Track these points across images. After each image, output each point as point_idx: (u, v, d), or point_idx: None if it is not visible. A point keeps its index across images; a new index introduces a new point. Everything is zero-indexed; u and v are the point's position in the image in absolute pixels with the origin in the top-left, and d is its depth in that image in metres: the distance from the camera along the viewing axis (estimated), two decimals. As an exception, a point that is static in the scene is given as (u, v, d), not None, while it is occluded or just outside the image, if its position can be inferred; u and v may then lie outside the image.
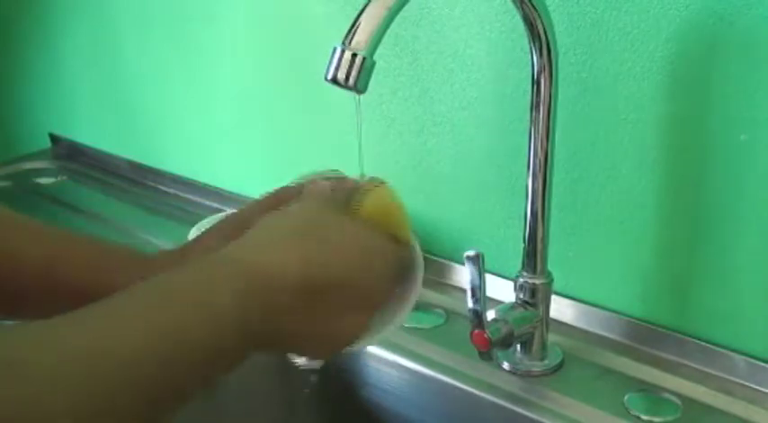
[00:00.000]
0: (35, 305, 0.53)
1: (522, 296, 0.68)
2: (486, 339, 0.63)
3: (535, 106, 0.61)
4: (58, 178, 1.24)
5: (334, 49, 0.50)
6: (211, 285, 0.41)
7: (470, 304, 0.62)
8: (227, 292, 0.40)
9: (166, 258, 0.56)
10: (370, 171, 0.53)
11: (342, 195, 0.52)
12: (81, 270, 0.53)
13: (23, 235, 0.53)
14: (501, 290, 0.77)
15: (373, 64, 0.50)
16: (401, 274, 0.51)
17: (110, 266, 0.54)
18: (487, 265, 0.64)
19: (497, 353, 0.69)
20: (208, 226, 0.82)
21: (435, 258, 0.86)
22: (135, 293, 0.39)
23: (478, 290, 0.62)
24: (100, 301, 0.38)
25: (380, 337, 0.50)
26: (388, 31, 0.50)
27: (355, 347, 0.48)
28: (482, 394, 0.68)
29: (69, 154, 1.32)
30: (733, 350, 0.67)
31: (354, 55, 0.49)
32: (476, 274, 0.61)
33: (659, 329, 0.71)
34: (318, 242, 0.46)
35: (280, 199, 0.54)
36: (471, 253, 0.61)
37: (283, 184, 0.55)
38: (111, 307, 0.38)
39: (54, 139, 1.36)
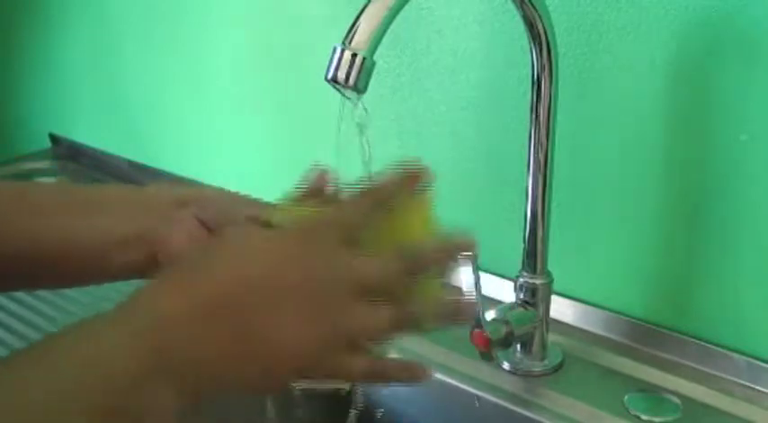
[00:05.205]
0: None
1: (522, 296, 0.68)
2: (486, 339, 0.63)
3: (535, 106, 0.61)
4: (58, 178, 1.24)
5: (334, 49, 0.50)
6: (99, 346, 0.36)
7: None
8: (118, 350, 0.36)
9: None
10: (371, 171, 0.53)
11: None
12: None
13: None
14: (501, 290, 0.77)
15: (373, 64, 0.50)
16: None
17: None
18: (487, 265, 0.64)
19: (497, 353, 0.69)
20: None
21: (435, 258, 0.85)
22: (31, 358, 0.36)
23: (474, 290, 0.62)
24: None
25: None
26: (388, 31, 0.50)
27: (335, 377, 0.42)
28: (482, 394, 0.68)
29: (69, 154, 1.32)
30: (733, 350, 0.67)
31: (354, 55, 0.49)
32: (470, 274, 0.61)
33: (659, 329, 0.71)
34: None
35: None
36: (464, 254, 0.61)
37: (282, 184, 0.54)
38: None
39: (54, 139, 1.35)
